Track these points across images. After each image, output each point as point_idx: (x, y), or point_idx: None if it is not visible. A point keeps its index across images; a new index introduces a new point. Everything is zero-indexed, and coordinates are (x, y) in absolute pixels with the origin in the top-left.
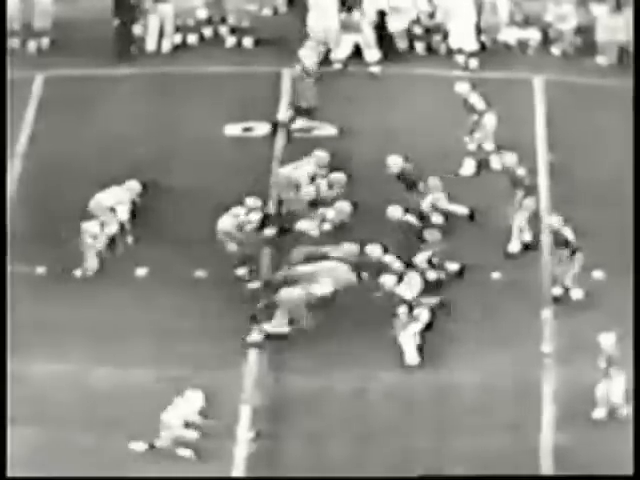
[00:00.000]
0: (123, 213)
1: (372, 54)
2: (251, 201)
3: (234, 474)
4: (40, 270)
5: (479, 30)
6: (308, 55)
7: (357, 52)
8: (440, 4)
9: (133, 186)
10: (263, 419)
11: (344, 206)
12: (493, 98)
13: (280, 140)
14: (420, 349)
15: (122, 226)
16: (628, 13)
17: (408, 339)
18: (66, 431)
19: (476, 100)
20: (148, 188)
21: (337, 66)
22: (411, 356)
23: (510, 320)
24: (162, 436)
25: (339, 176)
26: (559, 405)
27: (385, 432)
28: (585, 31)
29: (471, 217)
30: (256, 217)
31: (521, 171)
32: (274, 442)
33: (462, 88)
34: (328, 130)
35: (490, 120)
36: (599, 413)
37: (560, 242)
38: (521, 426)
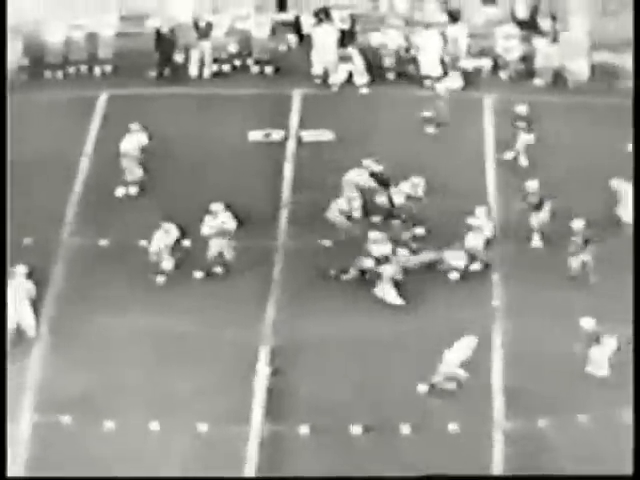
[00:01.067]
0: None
1: (362, 79)
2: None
3: None
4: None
5: (443, 60)
6: None
7: (350, 78)
8: (413, 40)
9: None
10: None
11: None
12: (455, 111)
13: (291, 145)
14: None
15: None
16: (563, 42)
17: (386, 288)
18: None
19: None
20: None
21: (334, 89)
22: (394, 299)
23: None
24: (439, 373)
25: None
26: (508, 350)
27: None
28: (527, 59)
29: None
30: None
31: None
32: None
33: (520, 109)
34: (327, 136)
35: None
36: (594, 369)
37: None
38: (476, 367)
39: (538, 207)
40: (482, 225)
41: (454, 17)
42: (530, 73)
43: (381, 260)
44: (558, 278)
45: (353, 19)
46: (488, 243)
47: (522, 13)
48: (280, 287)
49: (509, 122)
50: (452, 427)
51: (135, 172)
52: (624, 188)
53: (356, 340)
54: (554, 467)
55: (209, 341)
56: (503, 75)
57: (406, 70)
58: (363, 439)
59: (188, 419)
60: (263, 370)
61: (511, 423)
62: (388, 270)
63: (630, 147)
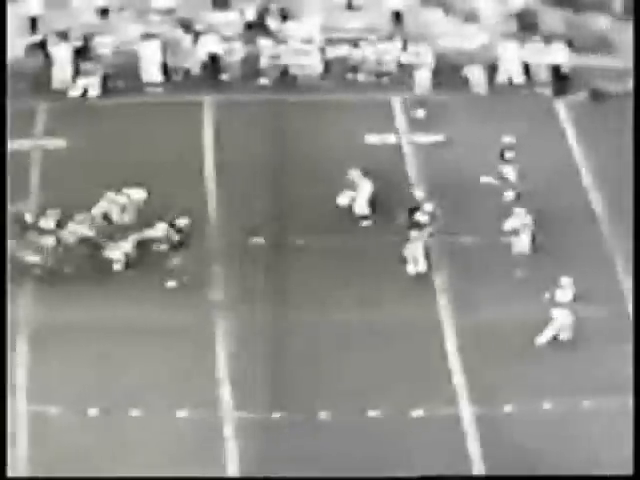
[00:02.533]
0: None
1: None
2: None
3: None
4: None
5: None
6: None
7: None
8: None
9: None
10: None
11: None
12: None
13: None
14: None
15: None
16: (292, 40)
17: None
18: None
19: None
20: None
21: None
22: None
23: None
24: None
25: None
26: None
27: None
28: (250, 60)
29: None
30: None
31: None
32: None
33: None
34: None
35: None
36: (544, 337)
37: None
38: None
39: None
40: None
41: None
42: (256, 73)
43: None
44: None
45: None
46: None
47: (251, 15)
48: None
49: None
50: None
51: None
52: (359, 181)
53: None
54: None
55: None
56: (225, 77)
57: None
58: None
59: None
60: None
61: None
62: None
63: (369, 138)
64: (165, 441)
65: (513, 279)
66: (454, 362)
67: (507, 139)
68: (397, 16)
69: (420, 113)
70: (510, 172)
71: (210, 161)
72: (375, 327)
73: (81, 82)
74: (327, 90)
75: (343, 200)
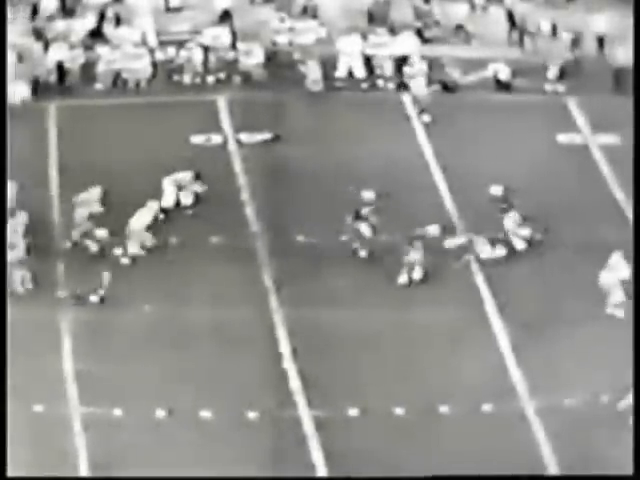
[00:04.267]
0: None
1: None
2: None
3: None
4: None
5: None
6: None
7: None
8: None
9: None
10: None
11: None
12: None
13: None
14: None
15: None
16: (124, 45)
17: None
18: None
19: None
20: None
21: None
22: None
23: None
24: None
25: None
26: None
27: None
28: (88, 65)
29: None
30: None
31: None
32: None
33: None
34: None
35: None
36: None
37: None
38: None
39: None
40: None
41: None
42: (92, 78)
43: None
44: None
45: None
46: None
47: (90, 23)
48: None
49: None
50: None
51: None
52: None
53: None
54: None
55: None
56: (68, 83)
57: None
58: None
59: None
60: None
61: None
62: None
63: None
64: None
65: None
66: (289, 364)
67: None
68: (226, 14)
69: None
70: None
71: (54, 165)
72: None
73: None
74: (154, 92)
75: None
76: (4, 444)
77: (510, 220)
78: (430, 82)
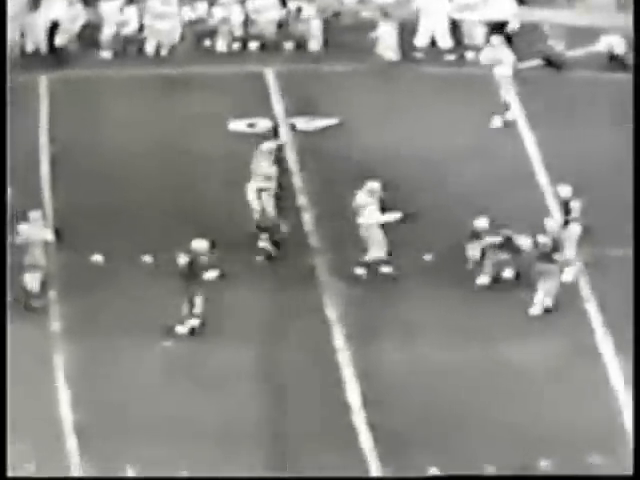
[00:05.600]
0: None
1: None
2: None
3: None
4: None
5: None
6: None
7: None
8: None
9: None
10: None
11: None
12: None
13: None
14: None
15: None
16: None
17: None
18: None
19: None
20: None
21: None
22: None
23: None
24: None
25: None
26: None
27: None
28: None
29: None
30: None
31: None
32: None
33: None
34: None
35: None
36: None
37: None
38: None
39: None
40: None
41: None
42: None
43: None
44: None
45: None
46: None
47: None
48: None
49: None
50: None
51: None
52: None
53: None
54: None
55: None
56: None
57: None
58: None
59: None
60: None
61: None
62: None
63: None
64: None
65: None
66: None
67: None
68: None
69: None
70: None
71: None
72: None
73: None
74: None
75: None
76: (4, 444)
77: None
78: (529, 56)
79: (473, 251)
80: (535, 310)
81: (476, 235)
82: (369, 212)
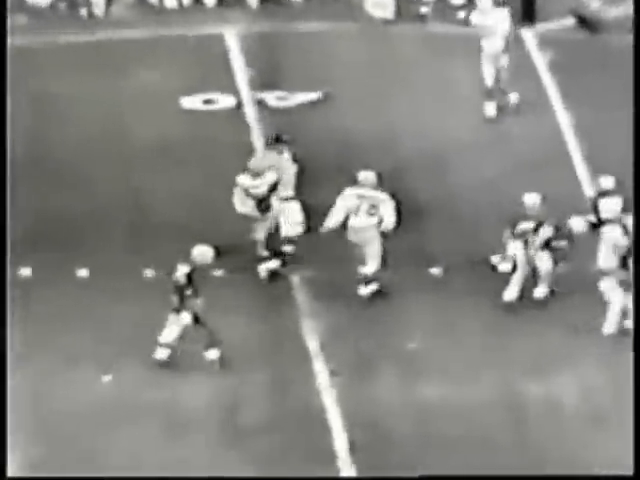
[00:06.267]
0: None
1: None
2: None
3: None
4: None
5: None
6: None
7: None
8: None
9: None
10: None
11: None
12: None
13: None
14: None
15: None
16: None
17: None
18: None
19: None
20: None
21: None
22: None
23: None
24: None
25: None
26: None
27: None
28: None
29: None
30: None
31: None
32: None
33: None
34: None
35: None
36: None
37: None
38: None
39: None
40: None
41: None
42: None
43: None
44: None
45: None
46: None
47: None
48: None
49: None
50: None
51: None
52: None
53: None
54: None
55: None
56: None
57: None
58: None
59: None
60: None
61: None
62: None
63: None
64: None
65: None
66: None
67: None
68: None
69: None
70: None
71: None
72: None
73: None
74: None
75: None
76: (4, 444)
77: None
78: (558, 15)
79: (516, 250)
80: (609, 329)
81: (520, 232)
82: (362, 214)
